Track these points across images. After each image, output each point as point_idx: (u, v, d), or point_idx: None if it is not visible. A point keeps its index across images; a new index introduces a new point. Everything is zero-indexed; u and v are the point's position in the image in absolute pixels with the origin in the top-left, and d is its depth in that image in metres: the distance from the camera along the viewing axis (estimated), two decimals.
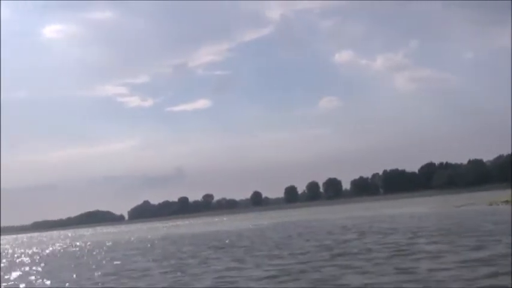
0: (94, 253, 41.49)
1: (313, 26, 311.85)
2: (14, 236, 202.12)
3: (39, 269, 30.32)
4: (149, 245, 44.40)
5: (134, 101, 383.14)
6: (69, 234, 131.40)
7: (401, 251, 21.81)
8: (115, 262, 30.00)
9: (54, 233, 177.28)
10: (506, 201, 55.22)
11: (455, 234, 26.93)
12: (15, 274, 27.72)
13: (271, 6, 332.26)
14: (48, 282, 22.82)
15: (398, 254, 21.10)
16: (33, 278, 25.23)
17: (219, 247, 33.70)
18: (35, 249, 58.49)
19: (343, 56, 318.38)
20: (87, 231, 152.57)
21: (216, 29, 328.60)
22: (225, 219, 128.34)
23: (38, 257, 42.84)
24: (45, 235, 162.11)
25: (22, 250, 60.12)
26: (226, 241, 38.94)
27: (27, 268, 31.33)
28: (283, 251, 26.47)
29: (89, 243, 63.44)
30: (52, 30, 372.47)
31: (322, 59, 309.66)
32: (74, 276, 24.44)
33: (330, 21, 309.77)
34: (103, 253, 40.25)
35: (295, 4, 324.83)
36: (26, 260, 40.41)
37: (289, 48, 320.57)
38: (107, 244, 54.97)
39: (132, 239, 60.67)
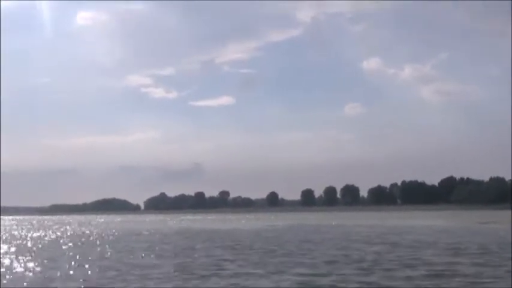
0: (98, 242, 40.92)
1: (343, 30, 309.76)
2: (24, 217, 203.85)
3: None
4: (160, 239, 43.54)
5: (159, 92, 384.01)
6: (82, 220, 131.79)
7: (441, 271, 19.95)
8: (116, 255, 28.89)
9: (68, 218, 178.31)
10: None
11: (495, 254, 25.52)
12: None
13: (302, 7, 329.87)
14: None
15: (440, 274, 19.28)
16: None
17: (234, 247, 32.57)
18: (35, 234, 57.51)
19: (370, 63, 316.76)
20: (101, 218, 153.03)
21: (244, 27, 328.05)
22: (240, 218, 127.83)
23: (29, 244, 40.94)
24: (55, 219, 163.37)
25: (21, 233, 59.98)
26: (244, 241, 37.76)
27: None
28: (306, 258, 24.92)
29: (95, 231, 62.63)
30: (83, 17, 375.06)
31: (349, 64, 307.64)
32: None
33: (360, 26, 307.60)
34: (106, 244, 38.54)
35: (327, 7, 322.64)
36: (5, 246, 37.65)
37: (317, 51, 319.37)
38: (115, 234, 54.36)
39: (145, 231, 59.57)
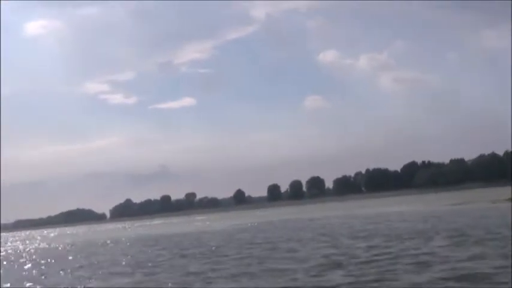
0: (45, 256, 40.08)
1: (298, 25, 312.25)
2: None
3: None
4: (118, 248, 42.34)
5: (117, 98, 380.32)
6: (37, 236, 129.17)
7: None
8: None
9: (32, 232, 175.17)
10: (509, 200, 54.88)
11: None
12: None
13: (256, 5, 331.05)
14: None
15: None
16: None
17: (201, 254, 29.14)
18: None
19: (327, 56, 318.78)
20: (61, 231, 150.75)
21: (201, 27, 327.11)
22: (205, 219, 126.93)
23: None
24: (18, 235, 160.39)
25: None
26: (210, 246, 34.01)
27: None
28: (290, 264, 21.41)
29: (51, 245, 61.43)
30: (35, 26, 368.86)
31: (307, 58, 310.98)
32: None
33: (315, 21, 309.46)
34: (55, 260, 36.40)
35: (281, 4, 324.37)
36: None
37: (274, 48, 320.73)
38: (69, 247, 53.07)
39: (108, 240, 58.48)
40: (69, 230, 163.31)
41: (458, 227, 31.38)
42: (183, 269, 23.23)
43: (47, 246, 58.82)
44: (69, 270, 27.50)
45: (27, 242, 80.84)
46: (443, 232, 29.12)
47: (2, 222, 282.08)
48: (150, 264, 26.72)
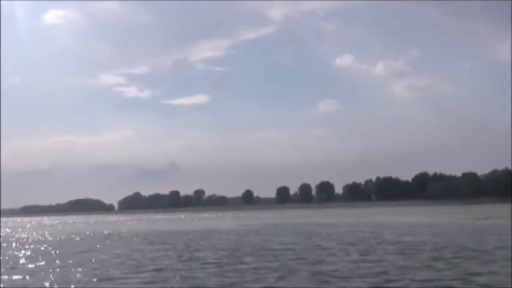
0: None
1: (316, 28, 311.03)
2: None
3: None
4: (114, 243, 38.89)
5: (131, 91, 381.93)
6: (47, 222, 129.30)
7: None
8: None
9: (37, 219, 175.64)
10: None
11: None
12: None
13: (274, 5, 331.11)
14: None
15: None
16: None
17: (215, 260, 24.31)
18: None
19: (343, 60, 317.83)
20: (69, 219, 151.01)
21: (218, 25, 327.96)
22: (212, 217, 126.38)
23: None
24: (22, 220, 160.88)
25: None
26: (223, 249, 29.32)
27: None
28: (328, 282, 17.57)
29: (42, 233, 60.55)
30: (54, 15, 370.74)
31: (322, 61, 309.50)
32: None
33: (332, 24, 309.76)
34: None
35: (300, 5, 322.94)
36: None
37: (290, 49, 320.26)
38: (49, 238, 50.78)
39: (89, 233, 56.82)
40: (72, 218, 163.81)
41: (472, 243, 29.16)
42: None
43: (28, 235, 57.58)
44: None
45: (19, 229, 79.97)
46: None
47: (8, 207, 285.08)
48: (151, 268, 22.47)
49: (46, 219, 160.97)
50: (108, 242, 41.03)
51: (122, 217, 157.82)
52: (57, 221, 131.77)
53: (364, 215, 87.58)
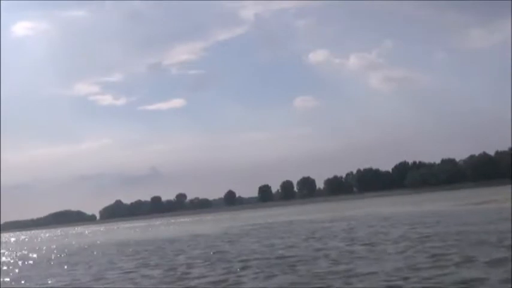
0: None
1: (288, 25, 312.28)
2: None
3: None
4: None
5: (107, 99, 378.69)
6: (22, 237, 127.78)
7: None
8: None
9: (17, 234, 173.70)
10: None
11: None
12: None
13: (246, 5, 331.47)
14: None
15: None
16: None
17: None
18: None
19: (317, 55, 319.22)
20: (44, 234, 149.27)
21: (190, 28, 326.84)
22: (195, 220, 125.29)
23: None
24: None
25: None
26: (219, 259, 24.15)
27: None
28: None
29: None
30: (23, 27, 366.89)
31: (297, 58, 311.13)
32: None
33: (304, 20, 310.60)
34: None
35: (270, 4, 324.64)
36: None
37: (265, 48, 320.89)
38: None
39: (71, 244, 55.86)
40: (50, 232, 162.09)
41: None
42: None
43: None
44: None
45: None
46: None
47: None
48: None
49: (27, 235, 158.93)
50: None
51: (102, 227, 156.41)
52: (47, 234, 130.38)
53: (347, 208, 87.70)
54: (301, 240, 30.95)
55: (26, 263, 34.87)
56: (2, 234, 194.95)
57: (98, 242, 58.89)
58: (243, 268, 20.11)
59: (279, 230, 43.22)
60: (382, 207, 74.01)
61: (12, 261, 38.52)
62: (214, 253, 27.51)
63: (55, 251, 45.75)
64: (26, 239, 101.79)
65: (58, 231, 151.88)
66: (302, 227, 45.40)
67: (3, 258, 42.94)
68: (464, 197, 76.91)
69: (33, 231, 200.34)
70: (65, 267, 28.60)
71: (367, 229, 34.62)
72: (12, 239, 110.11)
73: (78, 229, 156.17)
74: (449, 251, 19.59)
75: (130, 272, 22.61)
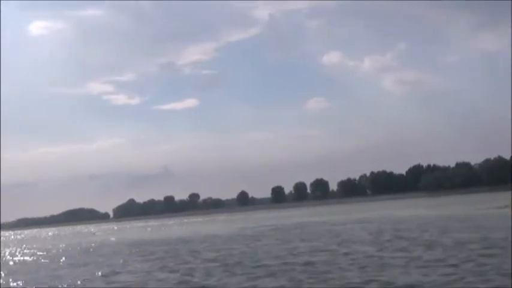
0: None
1: (301, 26, 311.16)
2: None
3: None
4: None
5: (120, 98, 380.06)
6: (21, 236, 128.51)
7: None
8: None
9: (33, 231, 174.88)
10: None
11: None
12: None
13: (259, 6, 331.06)
14: None
15: None
16: None
17: None
18: None
19: (331, 57, 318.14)
20: (52, 231, 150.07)
21: (203, 28, 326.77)
22: (208, 220, 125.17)
23: None
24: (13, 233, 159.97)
25: None
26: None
27: None
28: None
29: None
30: (39, 26, 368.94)
31: (310, 59, 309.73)
32: None
33: (318, 21, 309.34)
34: None
35: (284, 4, 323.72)
36: None
37: (277, 49, 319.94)
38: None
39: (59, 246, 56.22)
40: (64, 230, 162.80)
41: None
42: None
43: None
44: None
45: None
46: None
47: (3, 220, 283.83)
48: None
49: (37, 233, 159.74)
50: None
51: (116, 225, 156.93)
52: (55, 232, 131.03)
53: (363, 210, 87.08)
54: (324, 243, 30.08)
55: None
56: (15, 232, 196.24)
57: (113, 239, 59.20)
58: (267, 275, 18.89)
59: (298, 232, 42.47)
60: (398, 210, 73.64)
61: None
62: (230, 256, 26.50)
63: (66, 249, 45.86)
64: (49, 236, 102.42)
65: (65, 230, 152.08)
66: (322, 228, 44.90)
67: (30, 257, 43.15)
68: (484, 201, 76.09)
69: (44, 229, 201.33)
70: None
71: (392, 232, 33.68)
72: (17, 236, 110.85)
73: (90, 228, 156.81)
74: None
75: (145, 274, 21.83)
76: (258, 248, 30.06)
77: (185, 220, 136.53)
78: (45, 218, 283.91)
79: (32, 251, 50.65)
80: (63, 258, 36.63)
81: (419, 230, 33.81)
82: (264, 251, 27.86)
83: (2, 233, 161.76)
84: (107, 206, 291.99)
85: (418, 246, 24.53)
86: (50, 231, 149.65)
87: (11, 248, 59.74)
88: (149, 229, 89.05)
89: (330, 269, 19.32)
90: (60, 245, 56.44)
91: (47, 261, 35.29)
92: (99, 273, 24.03)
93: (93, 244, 52.12)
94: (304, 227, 50.63)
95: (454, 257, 20.02)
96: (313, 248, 27.53)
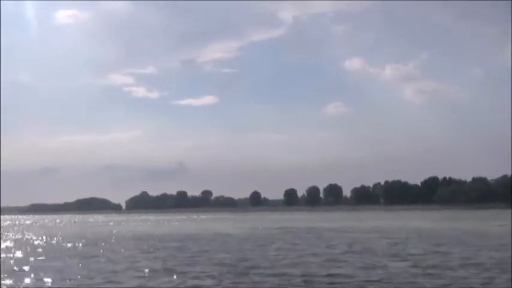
0: None
1: (325, 30, 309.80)
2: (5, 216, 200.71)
3: None
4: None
5: (140, 91, 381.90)
6: (31, 222, 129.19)
7: None
8: None
9: (40, 218, 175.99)
10: None
11: None
12: None
13: (284, 7, 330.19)
14: None
15: None
16: None
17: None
18: None
19: (353, 63, 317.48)
20: (75, 218, 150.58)
21: (227, 26, 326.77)
22: (222, 218, 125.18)
23: None
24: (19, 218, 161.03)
25: None
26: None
27: None
28: None
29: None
30: (64, 15, 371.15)
31: (331, 64, 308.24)
32: None
33: (342, 26, 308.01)
34: None
35: (309, 7, 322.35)
36: None
37: (300, 51, 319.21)
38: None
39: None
40: (77, 218, 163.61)
41: None
42: None
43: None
44: None
45: None
46: None
47: (16, 205, 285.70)
48: None
49: (48, 219, 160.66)
50: None
51: (130, 217, 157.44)
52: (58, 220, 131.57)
53: (379, 218, 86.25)
54: (341, 252, 28.85)
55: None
56: (28, 216, 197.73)
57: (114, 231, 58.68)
58: (285, 284, 17.79)
59: (315, 239, 41.38)
60: (418, 221, 72.45)
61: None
62: (241, 260, 25.14)
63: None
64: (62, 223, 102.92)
65: (76, 218, 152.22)
66: (339, 236, 43.83)
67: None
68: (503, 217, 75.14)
69: (54, 216, 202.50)
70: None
71: (417, 245, 31.76)
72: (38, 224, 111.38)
73: (101, 218, 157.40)
74: None
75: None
76: (274, 254, 28.63)
77: (194, 216, 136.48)
78: (58, 204, 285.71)
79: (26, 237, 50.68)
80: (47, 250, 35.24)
81: (445, 246, 32.37)
82: (280, 258, 26.58)
83: (10, 217, 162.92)
84: (120, 197, 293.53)
85: (448, 261, 23.50)
86: (58, 219, 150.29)
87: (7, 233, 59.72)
88: (149, 224, 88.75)
89: (352, 283, 18.01)
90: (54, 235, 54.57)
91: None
92: (87, 273, 22.15)
93: (91, 236, 51.41)
94: (320, 232, 49.59)
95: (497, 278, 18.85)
96: (330, 257, 26.35)
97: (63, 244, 40.37)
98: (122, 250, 32.90)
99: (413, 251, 28.62)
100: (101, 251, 33.02)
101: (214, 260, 25.95)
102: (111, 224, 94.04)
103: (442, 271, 20.75)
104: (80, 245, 39.29)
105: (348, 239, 39.58)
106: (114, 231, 60.58)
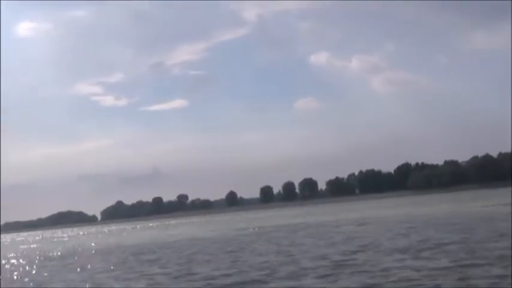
0: None
1: (291, 27, 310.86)
2: None
3: None
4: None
5: (108, 100, 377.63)
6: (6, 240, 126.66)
7: None
8: None
9: (13, 236, 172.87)
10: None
11: None
12: None
13: (248, 6, 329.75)
14: None
15: None
16: None
17: None
18: None
19: (319, 57, 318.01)
20: (32, 236, 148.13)
21: (192, 28, 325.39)
22: (197, 221, 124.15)
23: None
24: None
25: None
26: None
27: None
28: None
29: None
30: (25, 28, 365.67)
31: (299, 60, 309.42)
32: None
33: (307, 23, 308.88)
34: None
35: (273, 5, 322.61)
36: None
37: (266, 49, 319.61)
38: None
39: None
40: (49, 233, 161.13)
41: None
42: None
43: None
44: None
45: None
46: None
47: None
48: None
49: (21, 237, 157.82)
50: None
51: (103, 228, 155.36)
52: (38, 236, 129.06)
53: (352, 210, 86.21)
54: (330, 248, 26.18)
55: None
56: (7, 236, 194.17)
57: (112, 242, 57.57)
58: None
59: (299, 236, 38.60)
60: (393, 210, 72.00)
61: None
62: (234, 262, 23.58)
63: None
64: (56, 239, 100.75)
65: (45, 234, 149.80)
66: (321, 230, 41.74)
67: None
68: (476, 199, 75.26)
69: (28, 233, 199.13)
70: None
71: (416, 236, 28.71)
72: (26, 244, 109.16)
73: (87, 230, 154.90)
74: None
75: None
76: (262, 255, 26.60)
77: (172, 222, 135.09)
78: (31, 221, 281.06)
79: None
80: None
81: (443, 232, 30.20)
82: (269, 259, 24.48)
83: None
84: (95, 208, 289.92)
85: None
86: (29, 236, 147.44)
87: None
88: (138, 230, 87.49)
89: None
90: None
91: None
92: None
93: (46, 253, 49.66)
94: (304, 228, 48.13)
95: None
96: (319, 253, 24.59)
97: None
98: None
99: (404, 243, 26.14)
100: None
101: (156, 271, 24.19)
102: (82, 236, 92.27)
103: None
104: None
105: (335, 233, 37.75)
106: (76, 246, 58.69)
